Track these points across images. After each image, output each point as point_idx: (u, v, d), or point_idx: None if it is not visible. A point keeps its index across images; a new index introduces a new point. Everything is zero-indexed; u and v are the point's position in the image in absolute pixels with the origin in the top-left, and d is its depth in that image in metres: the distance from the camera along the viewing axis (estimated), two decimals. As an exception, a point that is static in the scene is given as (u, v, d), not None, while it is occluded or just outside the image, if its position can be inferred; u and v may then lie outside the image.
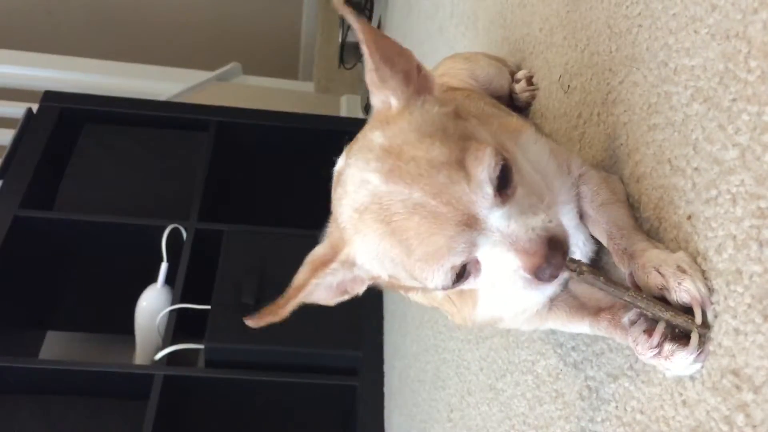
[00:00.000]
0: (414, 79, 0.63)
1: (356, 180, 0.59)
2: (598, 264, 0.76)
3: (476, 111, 0.85)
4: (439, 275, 0.57)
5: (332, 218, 0.64)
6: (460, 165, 0.56)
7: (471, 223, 0.56)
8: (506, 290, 0.62)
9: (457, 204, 0.55)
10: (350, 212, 0.59)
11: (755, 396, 0.51)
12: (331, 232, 0.64)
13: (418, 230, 0.56)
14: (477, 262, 0.58)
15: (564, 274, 0.60)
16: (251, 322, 0.64)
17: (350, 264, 0.62)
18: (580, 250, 0.74)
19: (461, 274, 0.58)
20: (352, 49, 3.09)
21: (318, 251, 0.64)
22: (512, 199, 0.58)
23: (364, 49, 0.61)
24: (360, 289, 0.67)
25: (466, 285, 0.60)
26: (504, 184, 0.57)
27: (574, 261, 0.60)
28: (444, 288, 0.58)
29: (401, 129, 0.59)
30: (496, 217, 0.56)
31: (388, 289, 0.69)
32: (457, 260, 0.57)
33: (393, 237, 0.57)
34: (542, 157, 0.71)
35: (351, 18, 0.61)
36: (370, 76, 0.62)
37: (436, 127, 0.59)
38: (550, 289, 0.59)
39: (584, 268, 0.60)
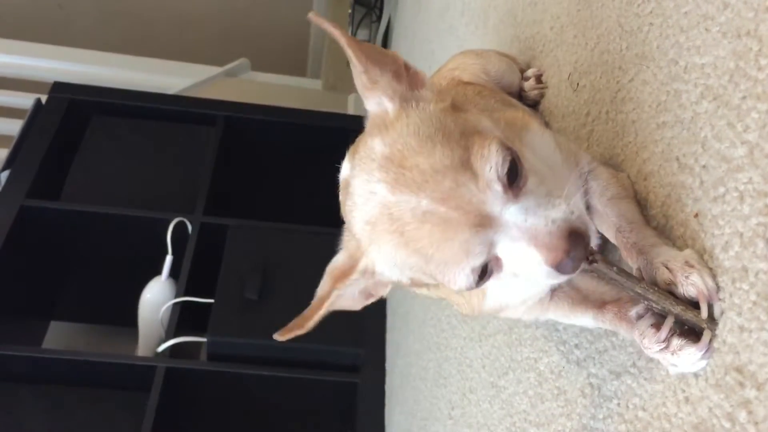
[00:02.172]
0: (404, 77, 0.63)
1: (363, 192, 0.58)
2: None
3: (484, 107, 0.85)
4: (461, 278, 0.57)
5: (346, 228, 0.63)
6: (466, 165, 0.55)
7: (485, 223, 0.55)
8: (527, 280, 0.61)
9: (467, 207, 0.54)
10: (362, 224, 0.59)
11: (758, 393, 0.51)
12: (347, 240, 0.64)
13: (431, 238, 0.55)
14: (498, 258, 0.58)
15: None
16: (279, 336, 0.64)
17: (370, 273, 0.62)
18: None
19: (483, 273, 0.57)
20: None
21: (337, 261, 0.64)
22: (525, 191, 0.57)
23: (349, 53, 0.60)
24: (384, 292, 0.66)
25: (490, 282, 0.59)
26: (514, 177, 0.56)
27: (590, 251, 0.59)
28: (468, 289, 0.58)
29: (400, 134, 0.58)
30: (511, 213, 0.56)
31: (410, 288, 0.69)
32: (477, 262, 0.56)
33: (408, 247, 0.56)
34: (548, 150, 0.70)
35: (327, 25, 0.60)
36: (360, 80, 0.61)
37: (435, 127, 0.58)
38: (572, 276, 0.58)
39: (598, 257, 0.59)
